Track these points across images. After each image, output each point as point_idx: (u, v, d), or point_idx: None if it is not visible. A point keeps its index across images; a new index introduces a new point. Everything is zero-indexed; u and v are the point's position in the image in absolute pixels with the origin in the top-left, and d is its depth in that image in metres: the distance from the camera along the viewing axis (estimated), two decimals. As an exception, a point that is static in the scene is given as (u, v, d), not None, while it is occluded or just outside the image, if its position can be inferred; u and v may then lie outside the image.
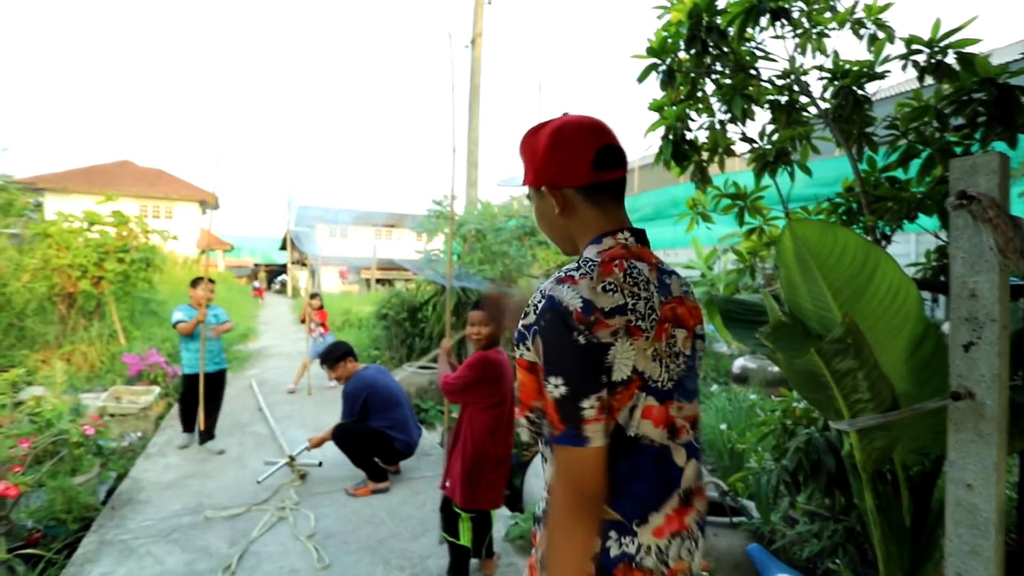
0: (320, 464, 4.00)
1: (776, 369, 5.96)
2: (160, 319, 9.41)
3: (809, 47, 2.14)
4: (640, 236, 1.04)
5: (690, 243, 10.42)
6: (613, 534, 0.91)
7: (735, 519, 2.60)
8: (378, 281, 21.31)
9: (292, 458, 3.97)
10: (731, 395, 4.88)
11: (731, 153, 2.54)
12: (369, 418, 3.79)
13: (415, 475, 4.02)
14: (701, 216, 2.64)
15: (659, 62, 2.23)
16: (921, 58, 1.76)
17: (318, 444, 3.89)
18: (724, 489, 2.64)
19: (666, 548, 0.94)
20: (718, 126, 2.48)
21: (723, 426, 3.82)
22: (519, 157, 1.08)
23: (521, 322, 0.93)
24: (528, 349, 0.91)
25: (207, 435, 4.60)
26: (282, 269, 37.37)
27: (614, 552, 0.91)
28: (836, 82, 1.99)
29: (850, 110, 1.88)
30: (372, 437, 3.71)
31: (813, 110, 2.27)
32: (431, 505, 3.45)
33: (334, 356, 4.02)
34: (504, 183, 1.45)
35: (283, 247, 36.90)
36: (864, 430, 1.50)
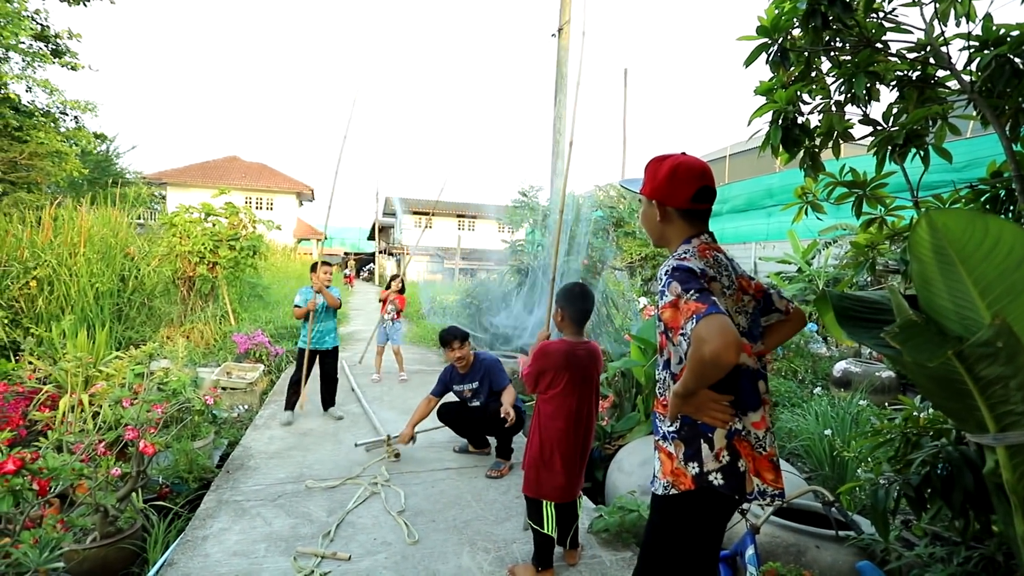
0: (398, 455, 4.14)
1: (885, 374, 5.45)
2: (265, 302, 10.21)
3: (953, 12, 1.90)
4: (713, 236, 1.59)
5: (786, 235, 9.76)
6: (734, 418, 1.44)
7: (841, 533, 2.41)
8: (461, 271, 21.81)
9: (389, 438, 4.16)
10: (832, 400, 4.53)
11: (848, 137, 2.32)
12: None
13: (497, 461, 4.08)
14: (811, 206, 2.44)
15: (770, 41, 2.07)
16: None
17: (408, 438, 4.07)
18: (830, 499, 2.44)
19: (763, 437, 1.47)
20: (833, 108, 2.28)
21: (827, 432, 3.54)
22: (643, 171, 1.61)
23: (658, 288, 1.40)
24: (668, 295, 1.33)
25: (329, 403, 5.18)
26: (371, 258, 39.29)
27: (734, 427, 1.44)
28: (987, 51, 1.75)
29: (1004, 82, 1.65)
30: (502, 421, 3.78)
31: (953, 85, 2.02)
32: (515, 491, 3.50)
33: (464, 335, 4.06)
34: (625, 183, 1.83)
35: (371, 237, 38.79)
36: (1016, 447, 1.32)
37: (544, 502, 2.51)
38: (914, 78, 2.15)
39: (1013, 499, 1.33)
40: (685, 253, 1.46)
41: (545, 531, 2.51)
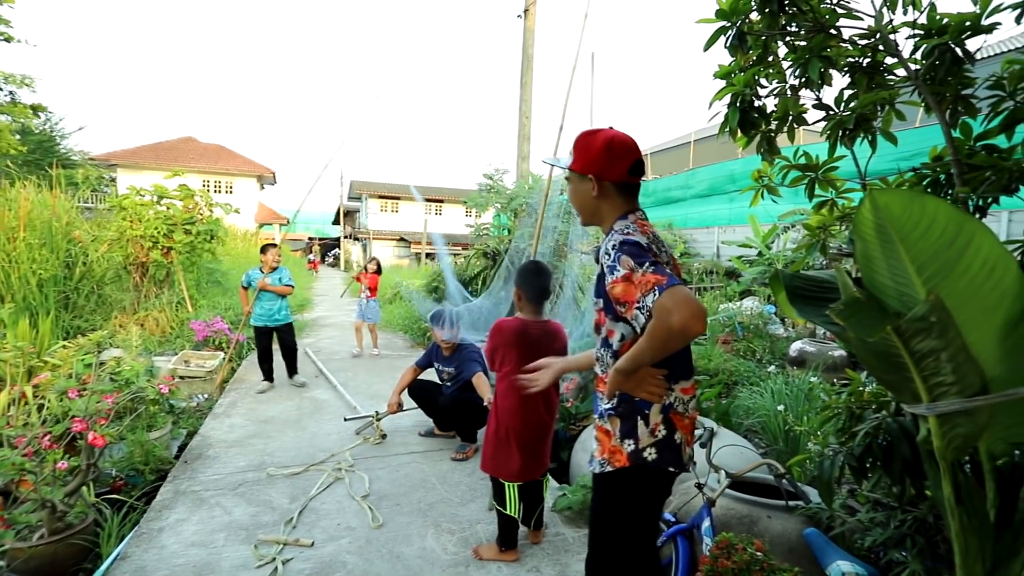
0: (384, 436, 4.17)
1: (837, 353, 5.69)
2: (224, 288, 9.90)
3: (900, 1, 1.96)
4: (645, 213, 1.59)
5: (747, 220, 10.01)
6: (668, 392, 1.47)
7: (791, 503, 2.53)
8: (427, 255, 21.62)
9: (377, 414, 4.17)
10: (787, 378, 4.70)
11: (802, 121, 2.38)
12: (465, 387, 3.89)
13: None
14: (767, 189, 2.50)
15: (728, 24, 2.09)
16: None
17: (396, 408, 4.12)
18: (781, 472, 2.55)
19: (688, 401, 1.52)
20: (789, 93, 2.33)
21: (780, 407, 3.68)
22: (572, 146, 1.55)
23: (604, 263, 1.38)
24: (619, 269, 1.31)
25: (292, 371, 5.70)
26: (335, 243, 38.50)
27: (667, 401, 1.47)
28: (930, 39, 1.81)
29: (945, 70, 1.71)
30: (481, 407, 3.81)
31: (901, 72, 2.09)
32: (480, 473, 3.52)
33: (457, 319, 4.06)
34: (549, 161, 1.86)
35: (336, 221, 37.99)
36: (946, 416, 1.40)
37: (507, 484, 2.52)
38: (864, 65, 2.21)
39: (942, 464, 1.41)
40: (627, 228, 1.44)
41: (508, 512, 2.52)
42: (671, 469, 1.46)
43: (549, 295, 2.61)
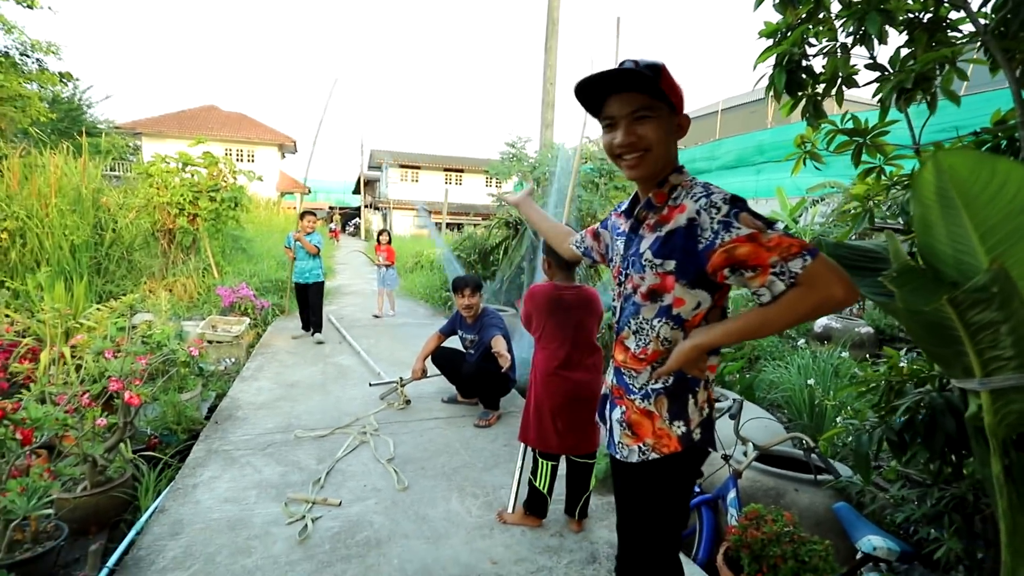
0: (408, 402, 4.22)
1: (864, 330, 5.56)
2: (248, 255, 10.04)
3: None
4: None
5: (775, 193, 9.72)
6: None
7: (819, 477, 2.50)
8: (447, 225, 21.56)
9: (401, 380, 4.23)
10: (814, 354, 4.62)
11: (852, 83, 2.25)
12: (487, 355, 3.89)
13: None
14: (810, 156, 2.39)
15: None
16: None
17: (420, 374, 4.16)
18: (810, 445, 2.51)
19: (713, 378, 1.38)
20: (839, 52, 2.20)
21: (810, 381, 3.61)
22: (663, 75, 1.24)
23: (715, 219, 1.17)
24: (739, 227, 1.13)
25: (316, 329, 6.33)
26: (356, 212, 38.63)
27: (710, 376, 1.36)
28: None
29: (1019, 24, 1.58)
30: (504, 376, 3.85)
31: (965, 29, 1.95)
32: (503, 440, 3.56)
33: (477, 283, 4.06)
34: (644, 64, 1.23)
35: (356, 191, 38.05)
36: (1000, 391, 1.34)
37: (540, 460, 2.47)
38: (925, 20, 2.07)
39: (993, 441, 1.36)
40: (707, 184, 1.25)
41: (538, 486, 2.48)
42: (710, 449, 1.36)
43: (580, 261, 2.56)
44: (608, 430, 1.44)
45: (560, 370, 2.38)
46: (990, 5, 1.78)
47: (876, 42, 2.01)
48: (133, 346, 3.42)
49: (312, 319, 6.35)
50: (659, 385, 1.31)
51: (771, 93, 2.17)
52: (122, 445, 2.99)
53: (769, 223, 1.13)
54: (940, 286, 1.37)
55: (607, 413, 1.44)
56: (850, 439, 1.77)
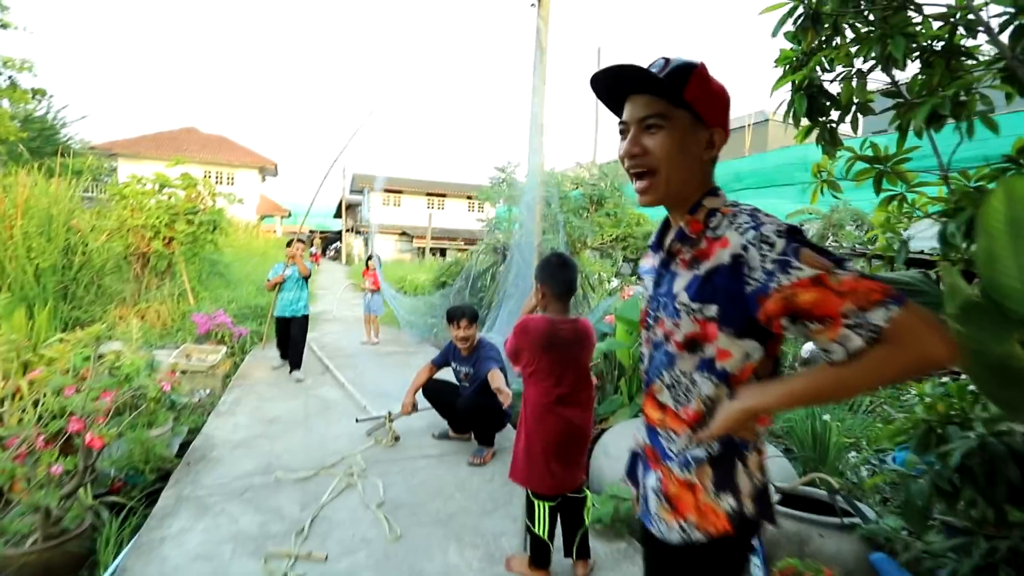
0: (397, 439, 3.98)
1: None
2: (226, 281, 9.71)
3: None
4: None
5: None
6: None
7: (846, 520, 2.34)
8: (431, 250, 21.41)
9: (390, 415, 3.98)
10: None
11: (868, 110, 2.18)
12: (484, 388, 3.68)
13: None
14: (828, 185, 2.30)
15: (797, 4, 1.90)
16: None
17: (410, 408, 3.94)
18: (834, 486, 2.36)
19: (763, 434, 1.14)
20: (854, 79, 2.14)
21: (826, 416, 3.45)
22: (689, 79, 1.04)
23: (767, 257, 0.94)
24: (801, 267, 0.91)
25: (294, 366, 5.78)
26: (337, 236, 38.26)
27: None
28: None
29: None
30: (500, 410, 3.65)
31: (981, 56, 1.90)
32: (500, 479, 3.34)
33: (473, 314, 3.87)
34: (674, 63, 1.04)
35: (338, 214, 37.73)
36: (1081, 441, 1.21)
37: (537, 503, 2.30)
38: (938, 48, 2.02)
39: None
40: (762, 212, 1.01)
41: (537, 532, 2.29)
42: (766, 523, 1.12)
43: (575, 290, 2.37)
44: (641, 496, 1.21)
45: (555, 406, 2.24)
46: (1006, 33, 1.73)
47: (895, 67, 1.95)
48: (99, 380, 3.15)
49: (292, 355, 5.79)
50: (701, 452, 1.08)
51: (790, 117, 2.09)
52: (81, 491, 2.71)
53: (838, 261, 0.91)
54: (1008, 324, 1.25)
55: (639, 476, 1.21)
56: (879, 480, 1.62)
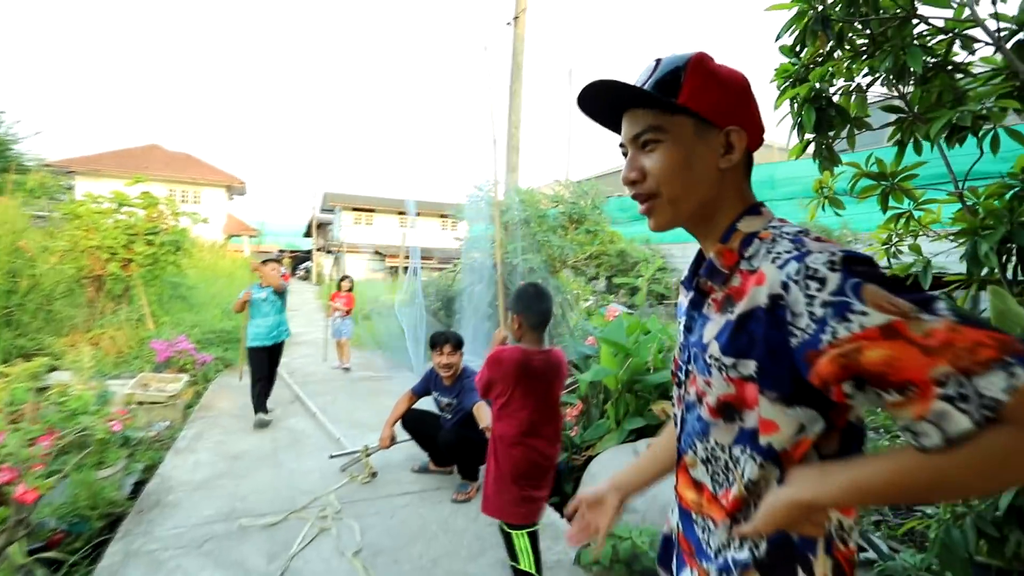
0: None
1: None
2: (189, 304, 9.25)
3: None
4: None
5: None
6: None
7: (862, 555, 2.20)
8: (403, 269, 21.05)
9: (367, 448, 3.73)
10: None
11: (864, 126, 2.11)
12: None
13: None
14: (829, 201, 2.22)
15: (807, 8, 1.82)
16: None
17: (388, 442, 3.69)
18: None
19: (851, 528, 0.85)
20: (853, 94, 2.07)
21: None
22: (686, 76, 0.83)
23: (816, 298, 0.69)
24: (863, 313, 0.65)
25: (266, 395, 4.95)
26: (306, 256, 37.53)
27: (830, 528, 0.81)
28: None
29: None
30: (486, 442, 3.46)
31: (975, 70, 1.85)
32: (486, 517, 3.11)
33: (458, 341, 3.64)
34: (647, 82, 0.86)
35: (307, 234, 37.04)
36: None
37: (515, 535, 2.23)
38: (931, 63, 1.97)
39: None
40: (806, 233, 0.78)
41: (522, 567, 2.21)
42: None
43: (550, 320, 2.34)
44: None
45: (525, 438, 2.24)
46: (1010, 44, 1.68)
47: (903, 81, 1.88)
48: (40, 417, 2.83)
49: (265, 388, 4.99)
50: (745, 554, 0.81)
51: (795, 131, 1.99)
52: (13, 548, 2.39)
53: (925, 301, 0.65)
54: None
55: (673, 568, 1.00)
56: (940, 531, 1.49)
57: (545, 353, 2.27)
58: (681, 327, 0.95)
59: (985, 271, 1.67)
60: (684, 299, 0.97)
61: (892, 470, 0.69)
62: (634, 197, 0.91)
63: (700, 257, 0.95)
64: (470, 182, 7.65)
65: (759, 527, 0.77)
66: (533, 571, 2.20)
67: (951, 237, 1.87)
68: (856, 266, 0.69)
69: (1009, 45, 1.79)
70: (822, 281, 0.69)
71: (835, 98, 2.09)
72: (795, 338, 0.71)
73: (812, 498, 0.73)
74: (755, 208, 0.86)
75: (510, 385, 2.21)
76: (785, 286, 0.72)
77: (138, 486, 3.51)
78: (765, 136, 0.92)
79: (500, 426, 2.28)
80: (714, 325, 0.83)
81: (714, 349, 0.82)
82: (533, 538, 2.24)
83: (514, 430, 2.23)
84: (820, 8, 1.80)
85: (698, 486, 0.89)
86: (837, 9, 1.85)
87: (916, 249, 1.99)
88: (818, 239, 0.76)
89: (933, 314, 0.64)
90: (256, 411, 4.77)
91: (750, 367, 0.77)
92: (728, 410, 0.81)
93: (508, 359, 2.21)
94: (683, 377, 0.93)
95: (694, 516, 0.91)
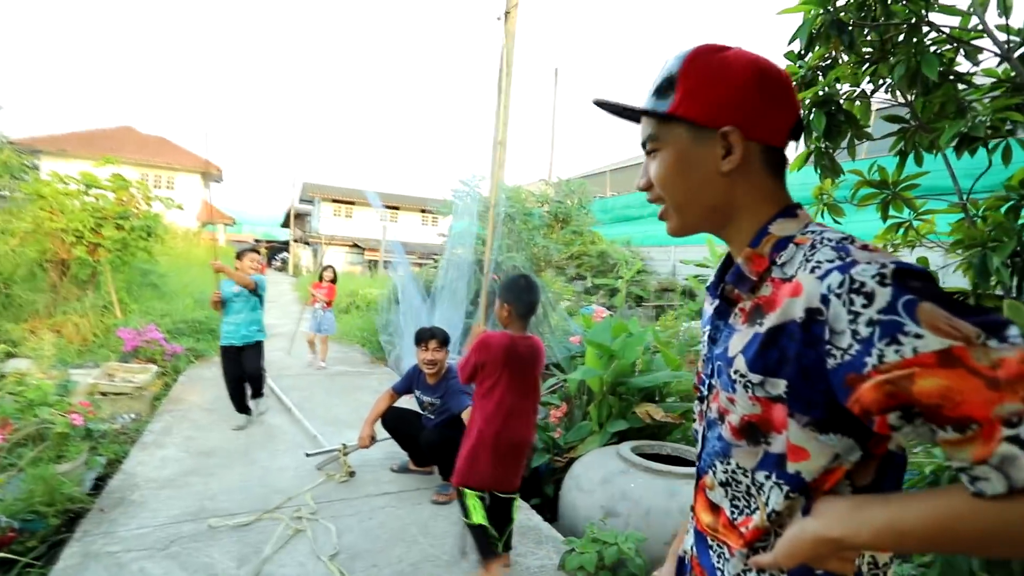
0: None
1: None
2: (160, 292, 8.95)
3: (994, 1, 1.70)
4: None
5: (703, 240, 10.08)
6: None
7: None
8: (384, 263, 20.79)
9: (344, 447, 3.65)
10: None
11: (864, 135, 2.09)
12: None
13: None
14: (829, 208, 2.20)
15: (823, 11, 1.78)
16: None
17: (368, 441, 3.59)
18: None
19: (886, 565, 0.78)
20: (858, 100, 2.05)
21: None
22: (679, 74, 0.79)
23: (861, 315, 0.61)
24: (918, 335, 0.57)
25: (256, 393, 4.76)
26: (283, 246, 36.87)
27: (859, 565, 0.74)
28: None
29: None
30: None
31: (979, 80, 1.84)
32: (467, 522, 3.04)
33: (444, 338, 3.52)
34: (602, 104, 0.87)
35: (285, 224, 36.36)
36: None
37: (467, 492, 2.41)
38: (940, 72, 1.95)
39: None
40: (851, 242, 0.69)
41: (472, 521, 2.40)
42: None
43: (536, 311, 2.54)
44: None
45: (506, 419, 2.40)
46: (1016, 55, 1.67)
47: (914, 89, 1.86)
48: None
49: (252, 386, 4.72)
50: None
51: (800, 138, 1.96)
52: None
53: (993, 325, 0.56)
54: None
55: None
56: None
57: (528, 339, 2.48)
58: (705, 337, 0.88)
59: (993, 284, 1.65)
60: (709, 307, 0.89)
61: (939, 515, 0.59)
62: (650, 202, 0.89)
63: (728, 262, 0.87)
64: (455, 177, 7.57)
65: (780, 560, 0.70)
66: (483, 522, 2.39)
67: (948, 248, 1.85)
68: (911, 280, 0.60)
69: (1016, 55, 1.78)
70: (869, 296, 0.61)
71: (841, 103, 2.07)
72: (833, 359, 0.64)
73: (841, 537, 0.65)
74: (790, 210, 0.79)
75: (498, 368, 2.38)
76: (825, 300, 0.64)
77: (100, 482, 3.33)
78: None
79: (482, 405, 2.43)
80: (740, 337, 0.76)
81: (740, 364, 0.75)
82: (492, 507, 2.44)
83: (496, 410, 2.39)
84: (833, 11, 1.76)
85: (715, 509, 0.83)
86: (845, 14, 1.83)
87: (924, 262, 1.97)
88: (865, 247, 0.67)
89: (1003, 341, 0.55)
90: (238, 411, 4.54)
91: (779, 387, 0.70)
92: (752, 432, 0.74)
93: (497, 343, 2.38)
94: (705, 392, 0.86)
95: (709, 541, 0.84)
